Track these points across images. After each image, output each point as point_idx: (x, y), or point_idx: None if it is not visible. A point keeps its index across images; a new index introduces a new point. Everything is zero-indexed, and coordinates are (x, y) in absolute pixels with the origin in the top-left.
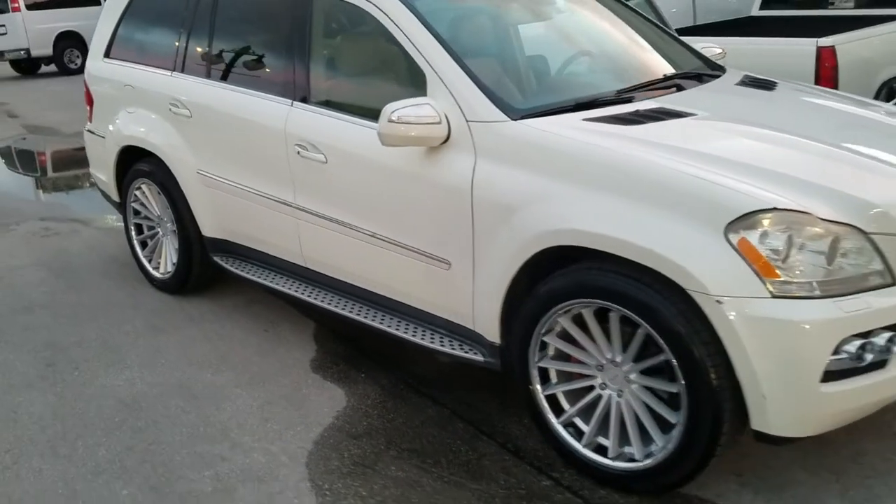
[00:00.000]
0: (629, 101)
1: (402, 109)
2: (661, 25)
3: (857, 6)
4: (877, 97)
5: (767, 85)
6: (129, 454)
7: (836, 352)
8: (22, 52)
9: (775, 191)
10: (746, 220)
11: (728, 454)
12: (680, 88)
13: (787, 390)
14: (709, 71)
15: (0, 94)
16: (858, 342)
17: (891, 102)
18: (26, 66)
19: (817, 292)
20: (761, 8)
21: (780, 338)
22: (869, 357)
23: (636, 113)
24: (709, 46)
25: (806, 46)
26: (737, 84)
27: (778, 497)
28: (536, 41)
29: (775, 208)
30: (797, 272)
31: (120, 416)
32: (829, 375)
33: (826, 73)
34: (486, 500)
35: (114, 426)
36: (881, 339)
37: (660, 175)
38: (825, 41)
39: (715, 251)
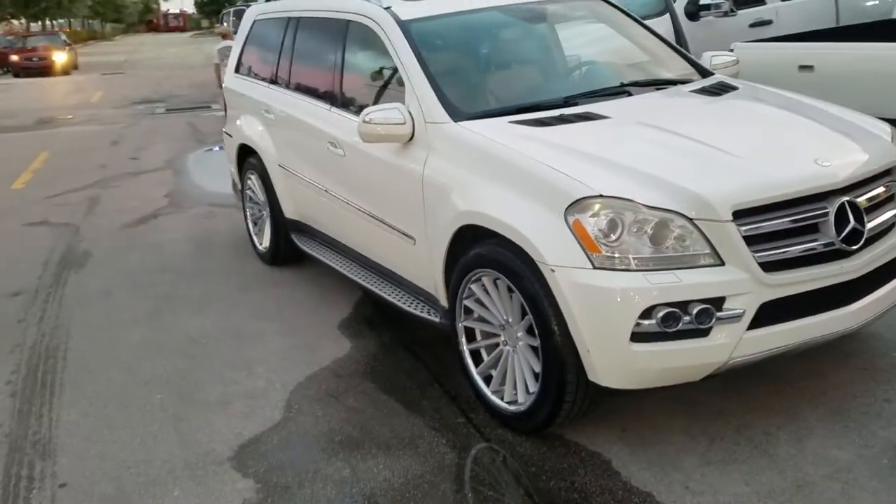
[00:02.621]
0: (574, 105)
1: (373, 112)
2: (659, 35)
3: None
4: None
5: (721, 91)
6: (175, 372)
7: (645, 316)
8: None
9: (610, 181)
10: (579, 204)
11: (625, 413)
12: (629, 94)
13: (603, 346)
14: (682, 78)
15: None
16: (667, 310)
17: None
18: None
19: (633, 266)
20: None
21: (596, 301)
22: (678, 325)
23: (559, 117)
24: (720, 55)
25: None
26: (692, 90)
27: (643, 451)
28: (516, 53)
29: (601, 195)
30: (619, 249)
31: (184, 347)
32: (639, 337)
33: None
34: (406, 427)
35: (177, 353)
36: (693, 310)
37: (527, 166)
38: None
39: (556, 229)
